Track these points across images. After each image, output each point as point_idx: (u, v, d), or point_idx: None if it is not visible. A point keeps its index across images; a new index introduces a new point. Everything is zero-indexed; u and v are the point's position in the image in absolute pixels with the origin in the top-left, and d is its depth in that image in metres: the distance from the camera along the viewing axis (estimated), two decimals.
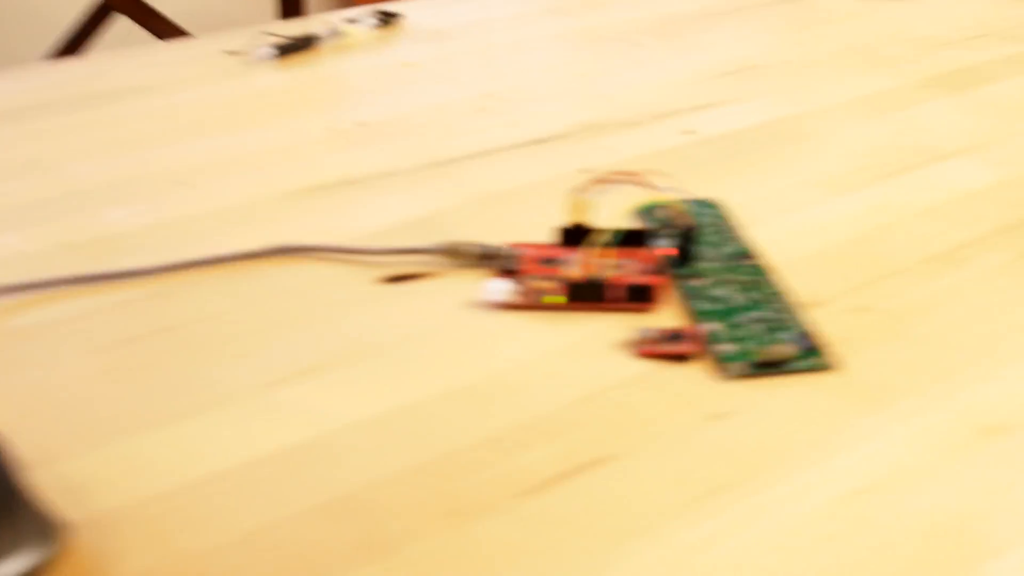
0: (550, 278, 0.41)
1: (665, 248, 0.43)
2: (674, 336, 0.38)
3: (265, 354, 0.38)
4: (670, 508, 0.31)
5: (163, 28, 1.47)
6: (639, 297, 0.40)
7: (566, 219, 0.43)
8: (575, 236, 0.42)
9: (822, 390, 0.36)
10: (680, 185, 0.51)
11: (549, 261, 0.42)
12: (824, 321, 0.40)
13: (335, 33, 0.79)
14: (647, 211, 0.47)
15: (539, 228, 0.47)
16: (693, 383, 0.36)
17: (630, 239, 0.43)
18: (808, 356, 0.37)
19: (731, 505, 0.31)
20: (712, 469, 0.32)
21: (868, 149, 0.56)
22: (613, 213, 0.47)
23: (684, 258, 0.42)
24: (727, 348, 0.37)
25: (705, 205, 0.48)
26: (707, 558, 0.29)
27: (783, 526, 0.30)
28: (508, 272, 0.42)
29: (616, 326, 0.39)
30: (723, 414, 0.35)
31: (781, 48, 0.74)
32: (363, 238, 0.47)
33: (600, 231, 0.42)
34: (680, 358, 0.37)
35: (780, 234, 0.46)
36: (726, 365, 0.36)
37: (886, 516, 0.30)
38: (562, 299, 0.40)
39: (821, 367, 0.36)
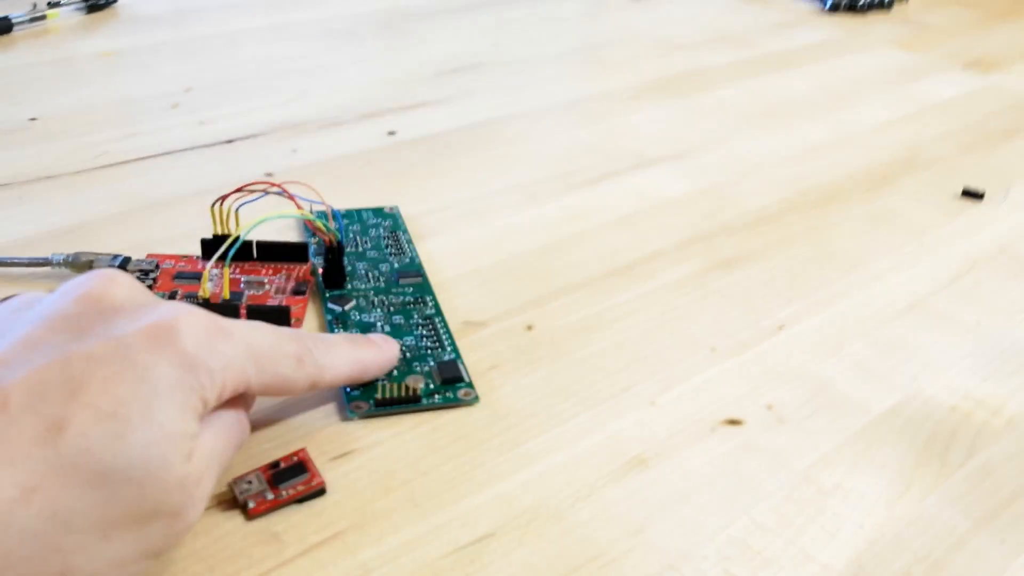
0: (185, 295, 0.37)
1: (317, 265, 0.39)
2: (280, 473, 0.29)
3: None
4: (264, 568, 0.27)
5: None
6: (275, 319, 0.35)
7: (210, 230, 0.39)
8: (218, 248, 0.38)
9: (465, 424, 0.32)
10: (368, 193, 0.47)
11: (186, 276, 0.38)
12: (482, 343, 0.36)
13: (35, 17, 0.72)
14: (304, 224, 0.43)
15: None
16: (318, 422, 0.32)
17: (280, 253, 0.38)
18: (444, 390, 0.33)
19: (336, 561, 0.27)
20: (321, 519, 0.28)
21: (572, 154, 0.53)
22: (276, 225, 0.43)
23: (333, 277, 0.38)
24: (352, 385, 0.33)
25: (381, 215, 0.44)
26: None
27: None
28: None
29: None
30: (345, 454, 0.31)
31: (509, 47, 0.71)
32: None
33: (249, 244, 0.38)
34: (306, 497, 0.29)
35: (459, 246, 0.43)
36: (348, 404, 0.32)
37: (502, 567, 0.27)
38: None
39: (459, 402, 0.33)
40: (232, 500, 0.29)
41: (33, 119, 0.55)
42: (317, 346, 0.30)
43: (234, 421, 0.27)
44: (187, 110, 0.57)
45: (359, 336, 0.33)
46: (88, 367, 0.23)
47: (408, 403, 0.33)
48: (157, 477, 0.23)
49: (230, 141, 0.53)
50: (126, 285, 0.26)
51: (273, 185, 0.37)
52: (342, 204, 0.45)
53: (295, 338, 0.29)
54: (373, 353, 0.32)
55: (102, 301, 0.25)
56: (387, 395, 0.32)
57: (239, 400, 0.28)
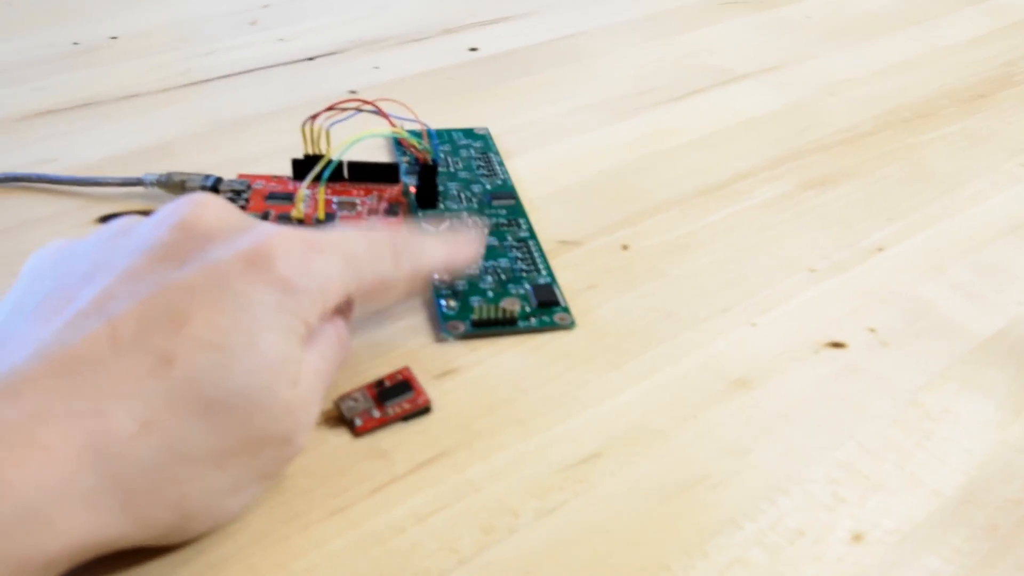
0: (277, 217, 0.37)
1: (408, 186, 0.39)
2: (385, 392, 0.29)
3: None
4: (375, 484, 0.27)
5: None
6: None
7: (301, 149, 0.39)
8: (309, 168, 0.37)
9: (564, 344, 0.32)
10: (451, 110, 0.47)
11: (278, 196, 0.38)
12: (577, 263, 0.36)
13: None
14: (397, 144, 0.42)
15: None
16: (417, 341, 0.32)
17: (371, 173, 0.38)
18: (540, 313, 0.33)
19: (445, 478, 0.27)
20: (427, 436, 0.28)
21: (656, 70, 0.52)
22: (365, 145, 0.43)
23: (426, 197, 0.38)
24: (448, 305, 0.33)
25: (472, 136, 0.44)
26: (405, 538, 0.25)
27: (492, 504, 0.26)
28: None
29: None
30: (447, 373, 0.31)
31: None
32: (88, 168, 0.42)
33: (339, 164, 0.38)
34: (411, 415, 0.29)
35: (546, 164, 0.43)
36: (444, 324, 0.32)
37: (611, 485, 0.27)
38: None
39: (555, 326, 0.33)
40: (338, 417, 0.29)
41: (114, 37, 0.55)
42: (409, 239, 0.29)
43: (337, 339, 0.27)
44: (266, 27, 0.56)
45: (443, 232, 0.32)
46: (189, 297, 0.23)
47: (504, 325, 0.32)
48: (264, 406, 0.23)
49: (311, 58, 0.52)
50: (219, 209, 0.26)
51: (366, 103, 0.36)
52: (428, 122, 0.44)
53: (388, 235, 0.29)
54: (462, 243, 0.32)
55: (196, 228, 0.25)
56: (483, 316, 0.32)
57: (341, 310, 0.28)
